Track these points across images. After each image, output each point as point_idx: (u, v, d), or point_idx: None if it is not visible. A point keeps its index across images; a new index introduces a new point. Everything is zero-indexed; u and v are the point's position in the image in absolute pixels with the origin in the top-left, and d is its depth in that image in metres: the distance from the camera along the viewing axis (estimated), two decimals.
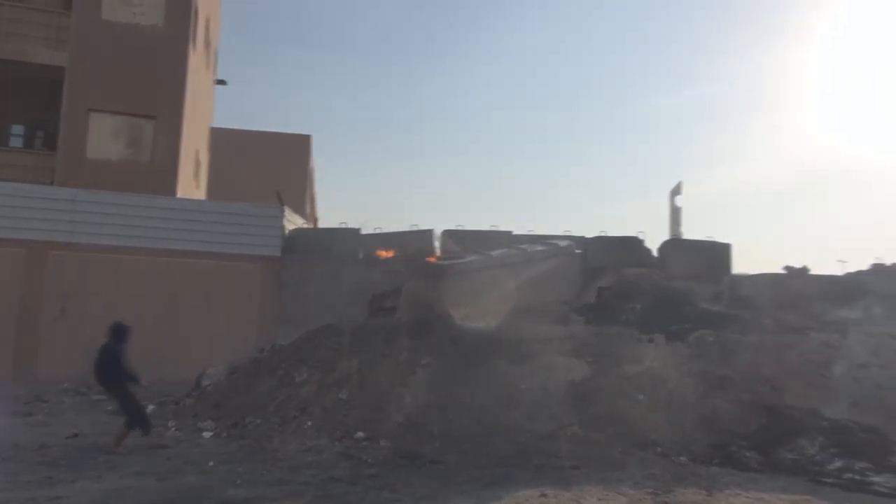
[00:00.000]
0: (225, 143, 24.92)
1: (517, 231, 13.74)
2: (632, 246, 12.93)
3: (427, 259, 12.23)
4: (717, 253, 12.95)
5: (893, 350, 10.33)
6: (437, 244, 13.41)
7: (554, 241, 12.18)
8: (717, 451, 8.39)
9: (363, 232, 13.82)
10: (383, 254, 12.27)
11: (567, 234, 13.06)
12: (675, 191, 15.85)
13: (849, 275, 13.05)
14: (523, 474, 7.44)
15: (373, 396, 9.74)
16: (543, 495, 6.63)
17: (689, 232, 15.06)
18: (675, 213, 15.57)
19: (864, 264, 17.28)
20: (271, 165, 27.29)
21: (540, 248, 11.80)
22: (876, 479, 7.52)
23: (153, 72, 16.13)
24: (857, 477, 7.55)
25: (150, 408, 11.07)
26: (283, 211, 13.64)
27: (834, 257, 38.70)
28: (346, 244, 13.57)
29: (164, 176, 15.41)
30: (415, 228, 13.48)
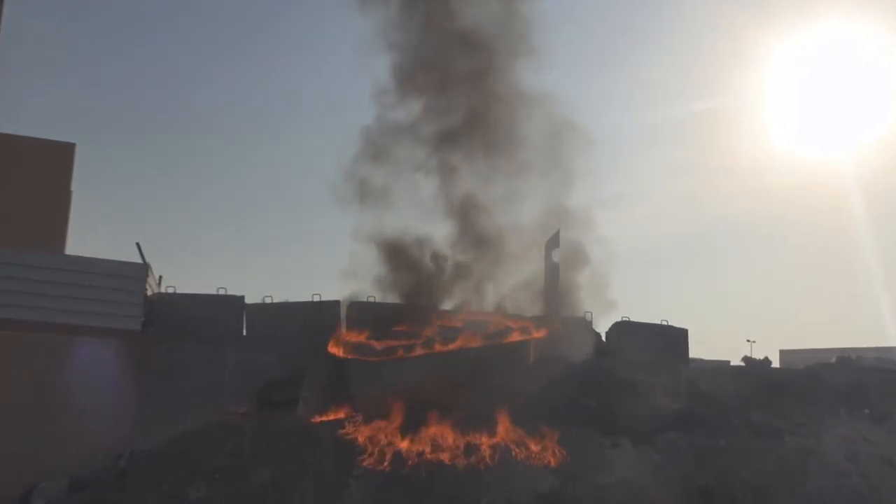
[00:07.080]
0: None
1: None
2: (578, 328, 12.06)
3: (350, 338, 10.67)
4: (673, 338, 12.49)
5: (869, 455, 10.45)
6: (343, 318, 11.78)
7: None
8: None
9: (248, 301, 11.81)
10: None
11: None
12: (552, 242, 13.02)
13: (809, 368, 13.20)
14: None
15: None
16: None
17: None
18: (553, 272, 12.95)
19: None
20: (18, 180, 22.49)
21: (492, 330, 10.77)
22: None
23: None
24: None
25: None
26: (146, 270, 11.21)
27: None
28: (228, 316, 11.46)
29: None
30: (317, 299, 11.77)
